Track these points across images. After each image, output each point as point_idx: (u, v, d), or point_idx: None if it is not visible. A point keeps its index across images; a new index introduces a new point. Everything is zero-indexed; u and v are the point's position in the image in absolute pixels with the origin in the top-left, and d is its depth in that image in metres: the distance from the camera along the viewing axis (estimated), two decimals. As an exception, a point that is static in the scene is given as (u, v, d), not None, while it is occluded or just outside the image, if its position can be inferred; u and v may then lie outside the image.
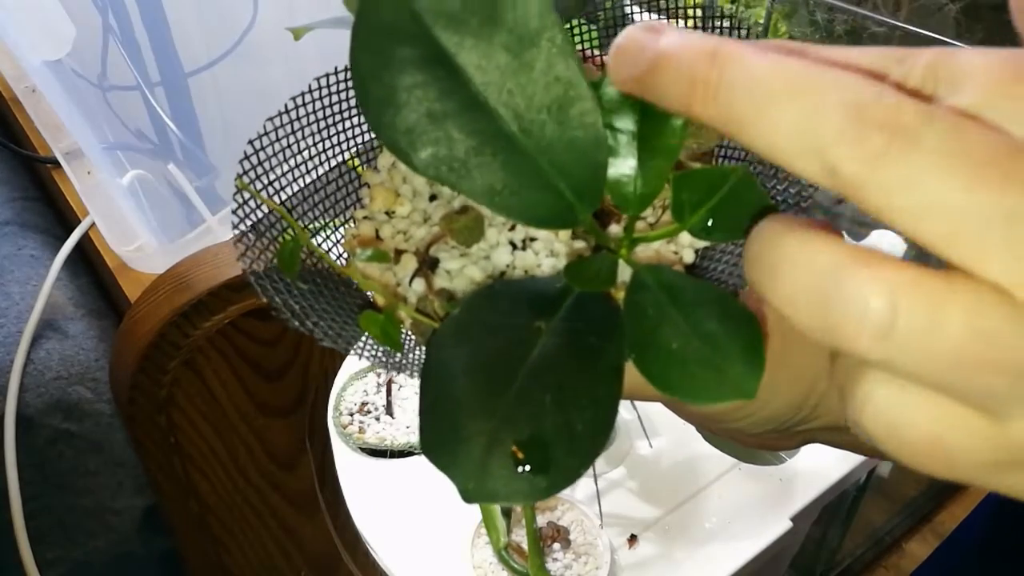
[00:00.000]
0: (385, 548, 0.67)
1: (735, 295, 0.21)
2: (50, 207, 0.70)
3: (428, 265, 0.24)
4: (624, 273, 0.21)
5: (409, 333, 0.25)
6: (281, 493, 0.46)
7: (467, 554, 0.65)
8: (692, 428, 0.79)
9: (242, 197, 0.25)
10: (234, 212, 0.25)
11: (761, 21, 1.02)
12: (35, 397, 0.50)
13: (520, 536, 0.66)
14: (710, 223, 0.20)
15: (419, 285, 0.24)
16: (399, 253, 0.25)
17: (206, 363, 0.39)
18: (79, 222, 0.58)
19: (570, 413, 0.18)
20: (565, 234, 0.24)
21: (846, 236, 0.19)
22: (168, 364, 0.38)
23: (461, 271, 0.24)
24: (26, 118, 0.67)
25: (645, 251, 0.25)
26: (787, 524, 0.70)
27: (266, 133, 0.26)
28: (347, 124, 0.28)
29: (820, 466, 0.75)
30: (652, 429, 0.79)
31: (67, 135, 0.60)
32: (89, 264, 0.65)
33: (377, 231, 0.26)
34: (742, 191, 0.20)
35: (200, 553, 0.46)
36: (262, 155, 0.26)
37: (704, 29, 0.27)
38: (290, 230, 0.26)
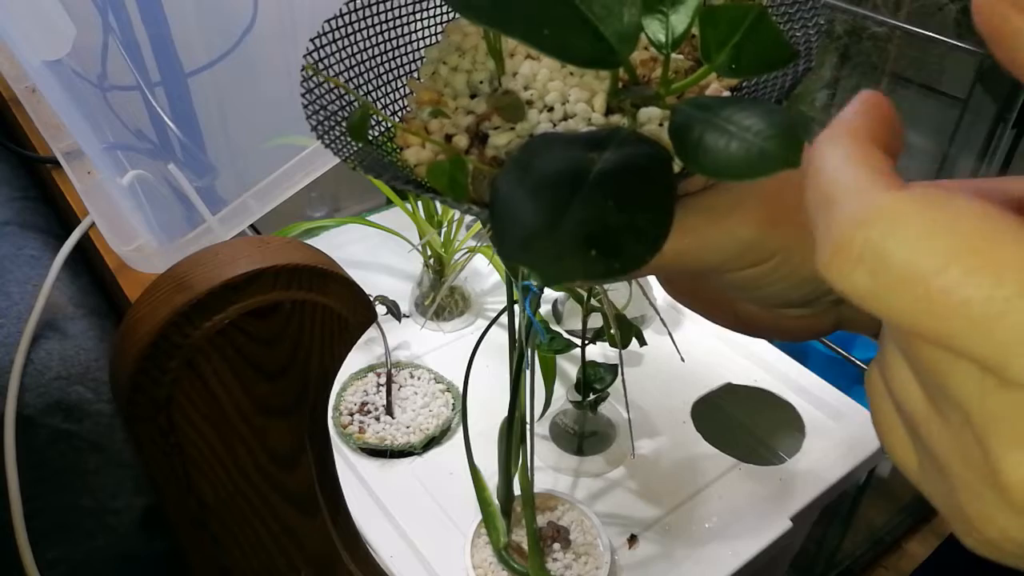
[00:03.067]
0: (385, 548, 0.67)
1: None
2: (50, 207, 0.70)
3: (479, 140, 0.26)
4: (652, 117, 0.25)
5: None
6: (281, 493, 0.46)
7: (467, 554, 0.65)
8: (692, 428, 0.79)
9: (308, 84, 0.28)
10: (303, 96, 0.28)
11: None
12: (35, 397, 0.50)
13: (520, 536, 0.66)
14: (734, 64, 0.22)
15: (471, 161, 0.26)
16: (449, 138, 0.27)
17: (206, 363, 0.39)
18: (79, 222, 0.58)
19: (632, 213, 0.20)
20: (600, 106, 0.26)
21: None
22: (168, 364, 0.38)
23: (508, 145, 0.26)
24: (26, 118, 0.67)
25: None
26: (787, 524, 0.70)
27: (325, 33, 0.29)
28: (394, 33, 0.31)
29: (820, 466, 0.75)
30: (652, 429, 0.79)
31: (67, 135, 0.60)
32: (89, 264, 0.65)
33: (425, 127, 0.28)
34: (761, 28, 0.21)
35: (200, 553, 0.46)
36: (323, 52, 0.29)
37: None
38: (355, 103, 0.29)
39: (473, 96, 0.28)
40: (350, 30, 0.30)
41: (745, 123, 0.20)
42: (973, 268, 0.15)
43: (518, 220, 0.20)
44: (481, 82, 0.28)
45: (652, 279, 0.71)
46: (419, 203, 0.82)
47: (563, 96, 0.27)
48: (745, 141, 0.20)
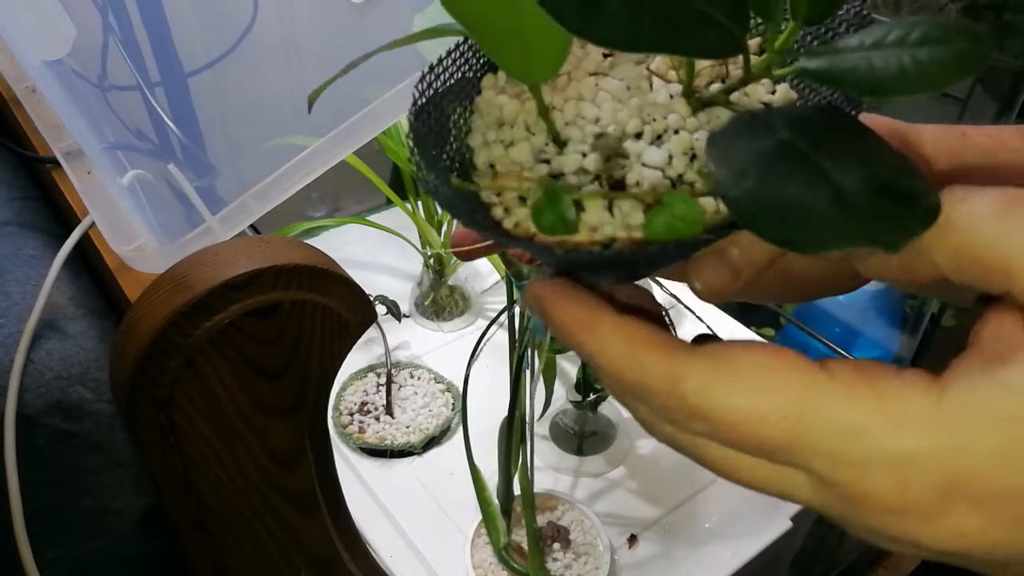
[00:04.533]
0: (385, 548, 0.67)
1: None
2: (50, 207, 0.70)
3: (613, 187, 0.25)
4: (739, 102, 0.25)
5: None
6: (281, 493, 0.46)
7: (467, 554, 0.65)
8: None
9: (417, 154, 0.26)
10: (411, 160, 0.25)
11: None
12: (35, 397, 0.50)
13: (520, 536, 0.66)
14: (813, 10, 0.22)
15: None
16: (578, 204, 0.25)
17: (206, 363, 0.39)
18: (79, 222, 0.58)
19: (880, 161, 0.20)
20: (686, 111, 0.26)
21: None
22: (168, 364, 0.38)
23: (640, 175, 0.25)
24: (26, 118, 0.67)
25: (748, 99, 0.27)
26: (787, 524, 0.70)
27: (441, 60, 0.27)
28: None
29: (820, 466, 0.75)
30: (652, 429, 0.79)
31: (67, 135, 0.60)
32: (89, 264, 0.65)
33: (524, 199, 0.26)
34: None
35: (200, 553, 0.46)
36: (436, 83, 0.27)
37: None
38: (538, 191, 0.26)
39: (546, 160, 0.26)
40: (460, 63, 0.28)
41: (912, 37, 0.20)
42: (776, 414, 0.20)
43: (801, 208, 0.19)
44: (547, 144, 0.26)
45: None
46: (419, 203, 0.82)
47: (643, 119, 0.26)
48: (924, 52, 0.20)
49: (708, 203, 0.24)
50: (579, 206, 0.24)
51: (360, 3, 0.58)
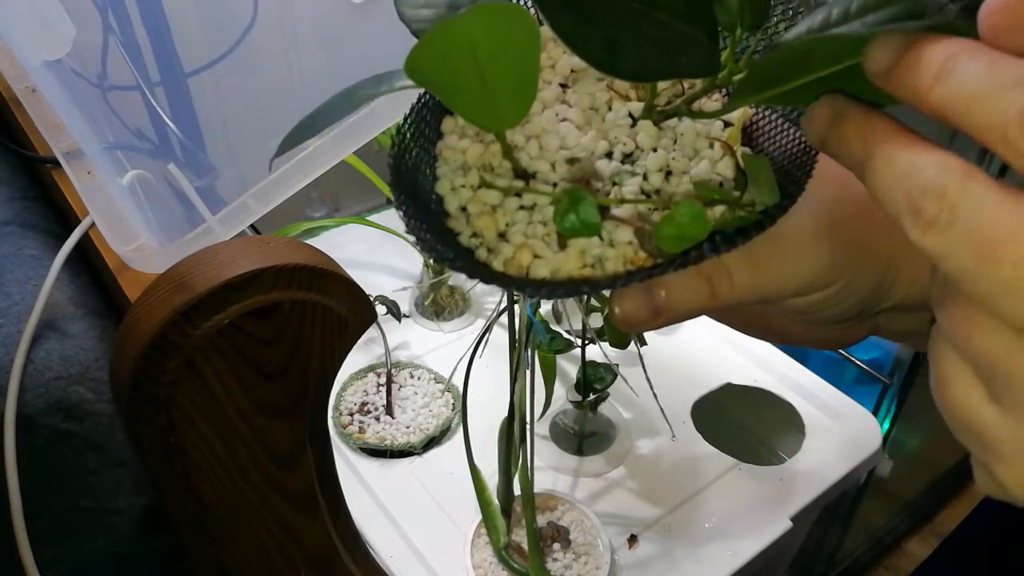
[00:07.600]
0: (385, 548, 0.67)
1: None
2: (50, 207, 0.70)
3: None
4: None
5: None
6: (281, 493, 0.46)
7: (467, 554, 0.65)
8: (692, 428, 0.79)
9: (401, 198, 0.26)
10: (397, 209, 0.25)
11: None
12: (35, 397, 0.50)
13: (520, 536, 0.66)
14: None
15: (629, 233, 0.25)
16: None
17: (206, 363, 0.39)
18: (79, 222, 0.58)
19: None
20: (650, 128, 0.27)
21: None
22: (168, 364, 0.38)
23: (637, 192, 0.26)
24: (26, 118, 0.67)
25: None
26: (787, 524, 0.70)
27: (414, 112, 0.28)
28: None
29: (820, 466, 0.75)
30: (652, 429, 0.79)
31: (67, 135, 0.60)
32: (89, 264, 0.65)
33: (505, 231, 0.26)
34: None
35: (200, 553, 0.46)
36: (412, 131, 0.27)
37: None
38: None
39: (517, 195, 0.26)
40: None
41: (854, 8, 0.21)
42: None
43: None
44: (514, 181, 0.26)
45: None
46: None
47: (609, 140, 0.26)
48: (872, 18, 0.21)
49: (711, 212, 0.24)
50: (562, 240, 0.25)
51: (360, 3, 0.58)
